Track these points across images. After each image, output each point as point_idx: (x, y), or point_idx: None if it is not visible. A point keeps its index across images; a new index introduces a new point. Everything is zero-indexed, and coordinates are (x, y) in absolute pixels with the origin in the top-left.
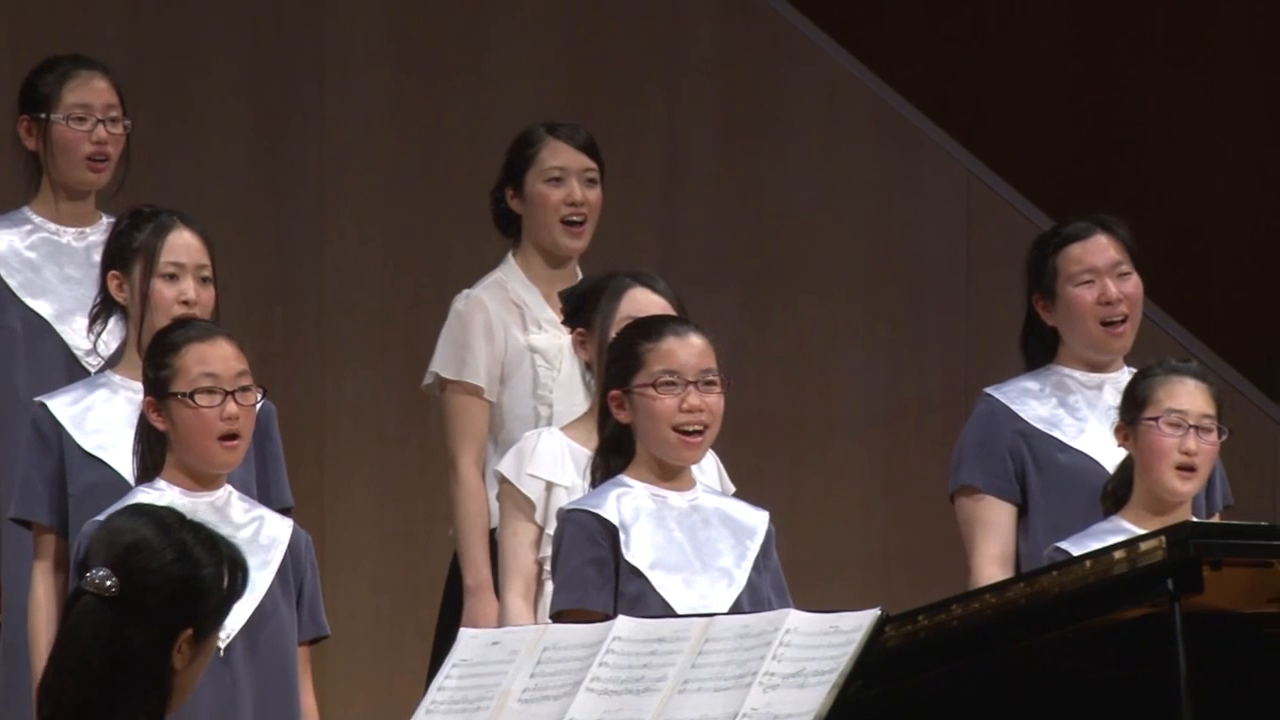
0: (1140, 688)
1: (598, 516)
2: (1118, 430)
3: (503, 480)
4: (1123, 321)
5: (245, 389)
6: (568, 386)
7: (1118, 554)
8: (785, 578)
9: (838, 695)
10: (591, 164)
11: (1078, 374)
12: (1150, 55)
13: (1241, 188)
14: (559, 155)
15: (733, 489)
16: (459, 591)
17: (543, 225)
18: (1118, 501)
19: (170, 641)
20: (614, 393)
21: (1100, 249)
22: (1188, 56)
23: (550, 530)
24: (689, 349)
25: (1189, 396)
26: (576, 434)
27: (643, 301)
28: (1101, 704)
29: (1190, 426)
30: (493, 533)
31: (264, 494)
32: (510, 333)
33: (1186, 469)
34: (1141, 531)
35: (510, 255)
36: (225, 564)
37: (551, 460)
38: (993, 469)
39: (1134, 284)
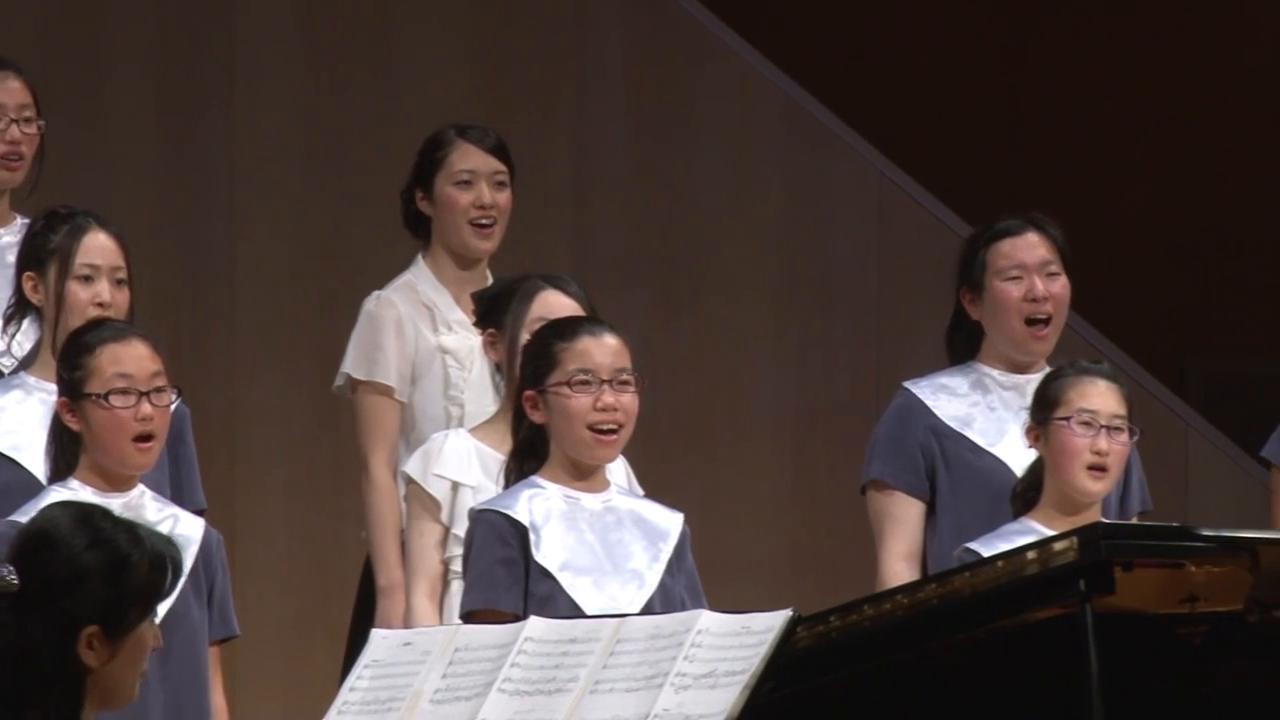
0: (1052, 688)
1: (508, 517)
2: (1029, 430)
3: (409, 481)
4: (1046, 322)
5: (160, 390)
6: (479, 387)
7: (1029, 555)
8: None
9: (749, 696)
10: (501, 166)
11: (997, 374)
12: (1064, 56)
13: (1153, 190)
14: (468, 158)
15: (641, 492)
16: (371, 592)
17: (452, 228)
18: (1027, 503)
19: (72, 637)
20: (528, 393)
21: (1031, 246)
22: (1102, 57)
23: (457, 531)
24: (603, 349)
25: (1100, 397)
26: (484, 435)
27: (554, 303)
28: (1014, 704)
29: (1102, 427)
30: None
31: (177, 497)
32: (421, 333)
33: (1098, 469)
34: (1052, 532)
35: (420, 257)
36: (147, 558)
37: (458, 461)
38: (903, 465)
39: (1061, 285)
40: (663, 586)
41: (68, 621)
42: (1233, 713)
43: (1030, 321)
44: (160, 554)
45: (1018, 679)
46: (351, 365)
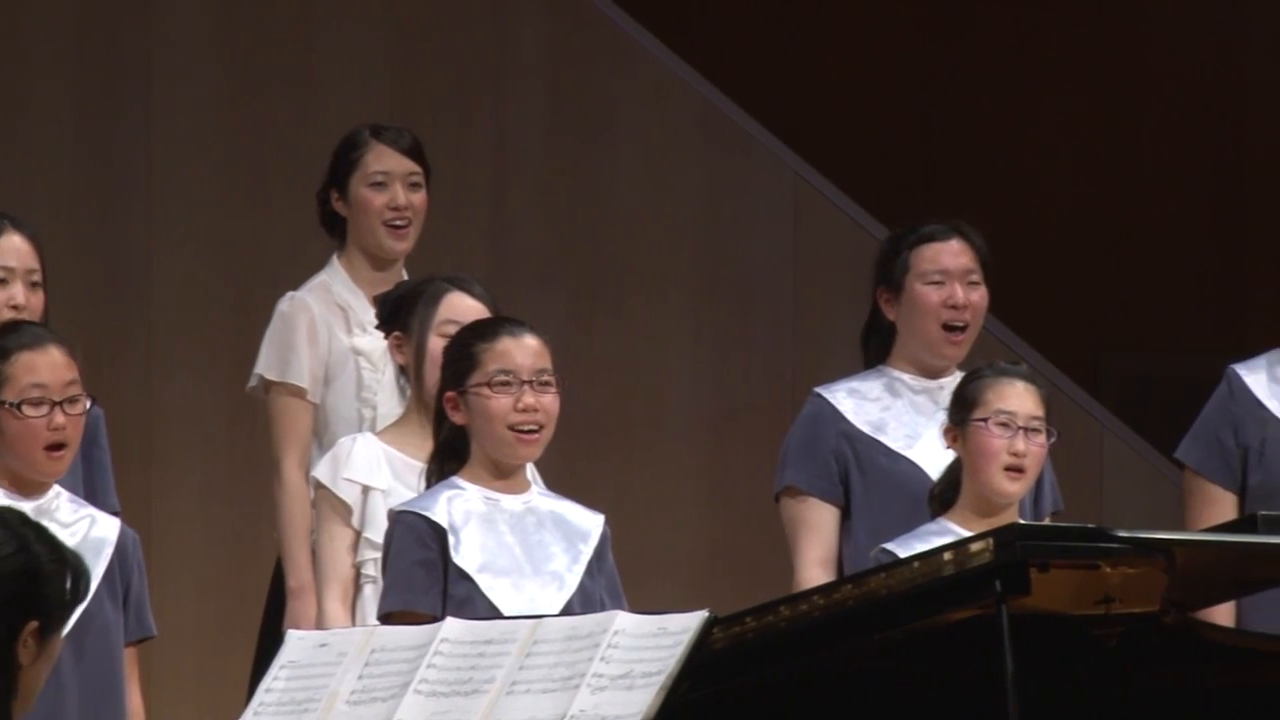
0: (969, 689)
1: (427, 519)
2: (946, 431)
3: (318, 486)
4: (963, 329)
5: (74, 399)
6: (392, 389)
7: (945, 556)
8: None
9: (666, 696)
10: (415, 168)
11: (908, 377)
12: (978, 58)
13: (1069, 191)
14: (383, 159)
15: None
16: (282, 593)
17: (366, 229)
18: (944, 504)
19: (15, 634)
20: (449, 394)
21: (955, 253)
22: (1018, 58)
23: (368, 534)
24: (524, 349)
25: (1018, 398)
26: (392, 438)
27: (460, 305)
28: (931, 705)
29: (1019, 428)
30: None
31: (90, 499)
32: (334, 335)
33: (1015, 470)
34: (969, 533)
35: (335, 258)
36: (68, 566)
37: (367, 465)
38: (816, 470)
39: (981, 294)
40: (582, 588)
41: (12, 618)
42: (1148, 714)
43: (947, 328)
44: (80, 567)
45: (935, 680)
46: (264, 366)
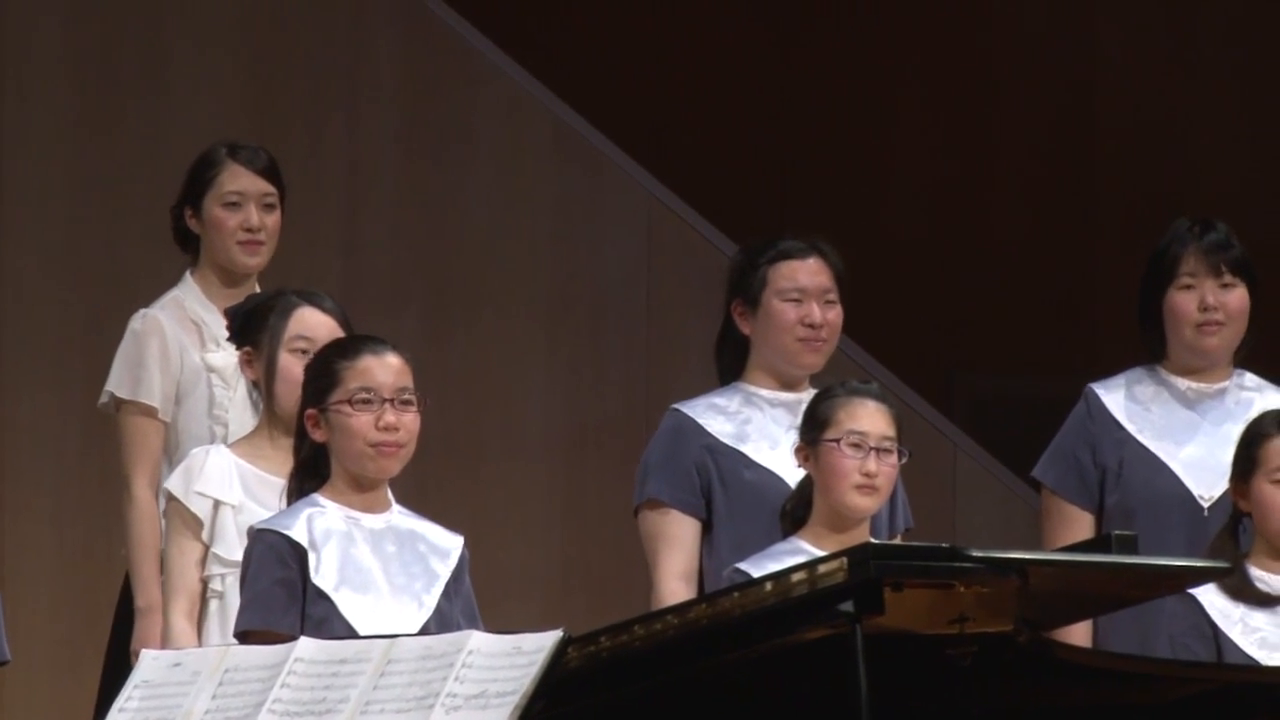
0: (825, 707)
1: (287, 537)
2: (798, 450)
3: (170, 498)
4: (820, 344)
5: None
6: (243, 405)
7: (798, 576)
8: None
9: (520, 716)
10: (270, 189)
11: (764, 391)
12: (830, 80)
13: (920, 211)
14: (238, 180)
15: None
16: (129, 611)
17: (220, 247)
18: (795, 521)
19: None
20: (310, 411)
21: (813, 272)
22: (869, 80)
23: (216, 550)
24: (386, 368)
25: (870, 418)
26: (244, 451)
27: (311, 320)
28: None
29: (871, 448)
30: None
31: None
32: (187, 352)
33: (867, 488)
34: (821, 552)
35: (188, 274)
36: None
37: (219, 478)
38: (679, 483)
39: (836, 313)
40: (439, 609)
41: None
42: None
43: (802, 341)
44: None
45: (791, 698)
46: (115, 384)
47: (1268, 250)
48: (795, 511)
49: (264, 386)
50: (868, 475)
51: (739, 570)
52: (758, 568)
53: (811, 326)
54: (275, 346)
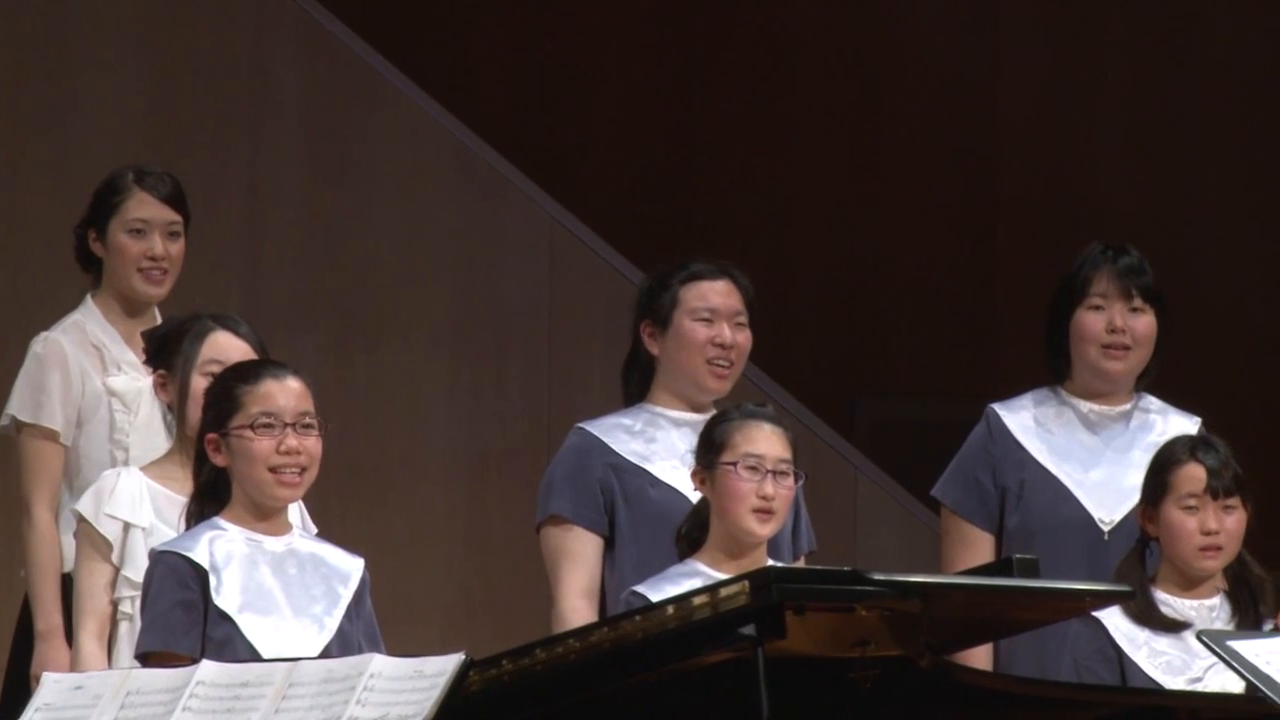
0: None
1: (188, 559)
2: (694, 474)
3: (80, 519)
4: (728, 367)
5: None
6: (145, 430)
7: (700, 599)
8: None
9: None
10: (175, 217)
11: (670, 412)
12: (731, 107)
13: (822, 238)
14: (143, 207)
15: (314, 529)
16: (29, 635)
17: (122, 274)
18: (692, 543)
19: None
20: (210, 436)
21: (725, 294)
22: (771, 108)
23: (126, 572)
24: (287, 392)
25: (766, 441)
26: (156, 474)
27: (225, 344)
28: None
29: (768, 471)
30: (66, 576)
31: None
32: (88, 376)
33: (764, 512)
34: (718, 575)
35: (90, 297)
36: None
37: (130, 501)
38: (583, 500)
39: (746, 336)
40: (341, 631)
41: None
42: None
43: (712, 363)
44: None
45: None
46: (17, 407)
47: (1168, 271)
48: (691, 533)
49: (177, 409)
50: (764, 498)
51: (636, 593)
52: (656, 590)
53: (721, 347)
54: (189, 370)
